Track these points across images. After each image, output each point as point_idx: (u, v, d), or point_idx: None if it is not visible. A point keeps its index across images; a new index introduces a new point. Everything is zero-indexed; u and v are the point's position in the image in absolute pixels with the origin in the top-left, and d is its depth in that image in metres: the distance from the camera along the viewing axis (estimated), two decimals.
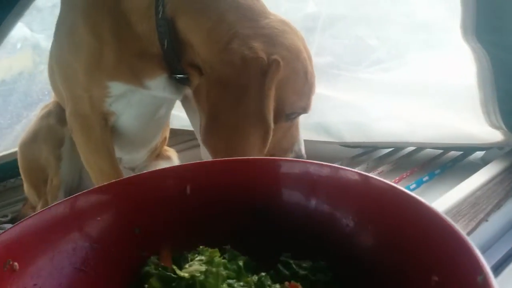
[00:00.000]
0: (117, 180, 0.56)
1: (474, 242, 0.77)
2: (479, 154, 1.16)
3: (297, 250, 0.52)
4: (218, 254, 0.46)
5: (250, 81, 0.75)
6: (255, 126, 0.77)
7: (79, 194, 0.53)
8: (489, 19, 0.77)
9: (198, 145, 1.46)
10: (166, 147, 1.32)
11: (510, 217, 0.88)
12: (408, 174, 1.10)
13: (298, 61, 0.80)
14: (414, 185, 1.02)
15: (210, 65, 0.78)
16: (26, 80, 1.32)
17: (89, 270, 0.49)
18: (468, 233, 0.78)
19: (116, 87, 0.85)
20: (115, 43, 0.80)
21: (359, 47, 1.08)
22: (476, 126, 1.02)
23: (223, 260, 0.46)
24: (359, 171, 0.52)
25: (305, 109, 0.86)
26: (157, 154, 1.27)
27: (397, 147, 1.27)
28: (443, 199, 0.88)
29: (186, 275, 0.44)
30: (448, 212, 0.84)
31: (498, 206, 0.85)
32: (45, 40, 1.28)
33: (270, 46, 0.77)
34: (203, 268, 0.44)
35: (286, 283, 0.46)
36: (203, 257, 0.46)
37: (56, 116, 1.07)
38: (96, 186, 0.57)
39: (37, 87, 1.34)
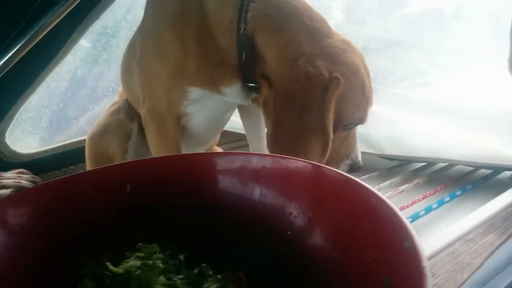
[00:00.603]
0: (55, 179, 0.54)
1: (505, 252, 0.87)
2: (507, 173, 1.25)
3: (246, 244, 0.52)
4: (157, 249, 0.46)
5: (313, 95, 0.84)
6: (316, 135, 0.86)
7: (13, 195, 0.51)
8: None
9: (243, 146, 1.58)
10: (215, 146, 1.42)
11: None
12: (442, 188, 1.19)
13: (357, 77, 0.88)
14: (447, 198, 1.10)
15: (279, 78, 0.88)
16: (94, 77, 1.44)
17: (17, 278, 0.44)
18: (500, 244, 0.87)
19: (195, 92, 0.96)
20: (199, 53, 0.91)
21: (410, 69, 1.18)
22: (508, 148, 1.11)
23: (163, 256, 0.45)
24: (302, 160, 0.54)
25: (361, 120, 0.94)
26: None
27: (430, 162, 1.36)
28: (478, 212, 0.97)
29: (121, 270, 0.42)
30: (482, 225, 0.93)
31: None
32: (117, 41, 1.40)
33: (332, 64, 0.85)
34: (139, 263, 0.43)
35: (229, 273, 0.46)
36: (141, 254, 0.45)
37: (125, 113, 1.18)
38: (31, 187, 0.57)
39: (103, 84, 1.46)
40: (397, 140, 1.32)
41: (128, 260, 0.44)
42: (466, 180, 1.24)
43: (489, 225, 0.93)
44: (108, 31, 1.41)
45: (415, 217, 1.02)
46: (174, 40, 0.91)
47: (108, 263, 0.43)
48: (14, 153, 1.34)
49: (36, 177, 1.31)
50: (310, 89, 0.84)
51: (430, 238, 0.89)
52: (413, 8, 1.17)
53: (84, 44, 1.33)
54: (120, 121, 1.17)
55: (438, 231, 0.92)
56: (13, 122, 1.31)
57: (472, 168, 1.30)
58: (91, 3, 1.24)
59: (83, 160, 1.39)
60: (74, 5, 1.18)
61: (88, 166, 1.26)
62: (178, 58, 0.92)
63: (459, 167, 1.32)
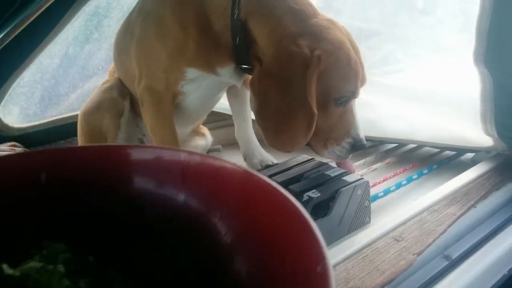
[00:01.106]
0: None
1: (464, 223, 1.00)
2: (469, 155, 1.38)
3: (163, 248, 0.48)
4: (63, 248, 0.41)
5: (295, 72, 0.90)
6: (299, 111, 0.92)
7: None
8: (496, 51, 0.98)
9: (225, 126, 1.66)
10: (200, 125, 1.49)
11: (494, 206, 1.10)
12: (410, 166, 1.31)
13: (341, 51, 0.92)
14: (415, 176, 1.23)
15: (266, 58, 0.94)
16: (85, 56, 1.48)
17: None
18: (460, 216, 0.99)
19: (192, 72, 1.02)
20: (197, 36, 0.97)
21: (386, 57, 1.29)
22: (471, 132, 1.23)
23: (70, 256, 0.41)
24: (233, 164, 0.49)
25: (353, 93, 0.97)
26: (195, 131, 1.45)
27: (401, 143, 1.48)
28: (442, 188, 1.09)
29: (17, 273, 0.37)
30: (445, 198, 1.05)
31: (485, 196, 1.07)
32: (109, 21, 1.45)
33: (315, 42, 0.90)
34: (40, 265, 0.38)
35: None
36: (47, 253, 0.41)
37: (118, 90, 1.23)
38: None
39: (93, 62, 1.50)
40: (371, 122, 1.42)
41: (29, 260, 0.39)
42: (433, 160, 1.37)
43: (452, 198, 1.05)
44: (100, 11, 1.45)
45: (386, 192, 1.13)
46: (175, 24, 0.97)
47: (4, 265, 0.37)
48: (7, 126, 1.38)
49: (28, 150, 1.36)
50: (292, 67, 0.89)
51: (401, 209, 1.00)
52: (389, 2, 1.28)
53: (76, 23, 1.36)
54: (113, 98, 1.22)
55: (407, 204, 1.04)
56: (6, 97, 1.34)
57: (438, 150, 1.43)
58: None
59: (73, 135, 1.44)
60: None
61: (80, 141, 1.31)
62: (178, 40, 0.98)
63: (426, 148, 1.45)
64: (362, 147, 1.02)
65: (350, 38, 0.97)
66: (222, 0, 0.96)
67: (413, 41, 1.26)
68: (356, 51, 0.97)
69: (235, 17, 0.95)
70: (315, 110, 0.91)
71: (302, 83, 0.89)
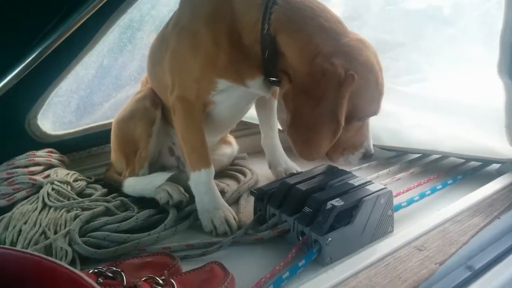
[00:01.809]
0: None
1: (488, 234, 1.01)
2: (495, 166, 1.38)
3: None
4: None
5: (329, 90, 0.94)
6: (328, 124, 0.97)
7: None
8: None
9: (250, 134, 1.70)
10: (228, 134, 1.54)
11: None
12: (435, 177, 1.31)
13: (371, 74, 0.97)
14: (440, 186, 1.23)
15: (299, 74, 0.98)
16: (119, 67, 1.55)
17: None
18: (483, 226, 1.00)
19: (223, 83, 1.07)
20: (228, 49, 1.02)
21: (409, 67, 1.31)
22: (496, 143, 1.23)
23: None
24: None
25: (375, 112, 1.04)
26: (221, 139, 1.49)
27: (425, 154, 1.48)
28: (466, 198, 1.10)
29: None
30: (469, 209, 1.07)
31: (509, 208, 1.08)
32: (141, 34, 1.52)
33: (348, 62, 0.95)
34: None
35: None
36: None
37: (150, 100, 1.29)
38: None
39: (126, 73, 1.57)
40: (396, 133, 1.44)
41: None
42: (458, 171, 1.37)
43: (476, 209, 1.06)
44: (134, 24, 1.52)
45: (410, 202, 1.14)
46: (208, 37, 1.02)
47: None
48: (45, 133, 1.45)
49: (64, 156, 1.43)
50: (326, 84, 0.94)
51: (424, 219, 1.02)
52: (413, 14, 1.30)
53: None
54: (146, 107, 1.28)
55: (430, 215, 1.05)
56: (44, 106, 1.42)
57: (463, 160, 1.43)
58: (119, 0, 1.35)
59: (105, 142, 1.51)
60: (104, 1, 1.29)
61: (113, 148, 1.37)
62: (211, 52, 1.03)
63: (451, 159, 1.45)
64: (371, 157, 1.12)
65: (377, 59, 1.01)
66: (252, 16, 1.00)
67: (437, 52, 1.28)
68: (381, 71, 1.01)
69: (264, 31, 0.99)
70: (342, 124, 0.96)
71: (335, 101, 0.94)
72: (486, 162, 1.38)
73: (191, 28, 1.06)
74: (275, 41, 0.99)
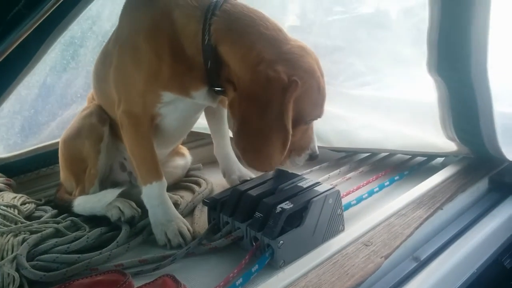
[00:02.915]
0: None
1: (432, 225, 1.05)
2: (439, 160, 1.44)
3: None
4: None
5: (274, 96, 0.95)
6: (276, 132, 0.98)
7: None
8: (447, 60, 1.04)
9: (204, 144, 1.70)
10: (180, 145, 1.53)
11: (460, 207, 1.16)
12: (383, 174, 1.36)
13: (313, 79, 1.00)
14: (387, 183, 1.27)
15: (243, 82, 0.99)
16: (63, 84, 1.52)
17: None
18: (426, 218, 1.04)
19: (167, 96, 1.07)
20: (170, 61, 1.02)
21: (351, 71, 1.35)
22: (436, 138, 1.29)
23: None
24: None
25: (319, 115, 1.07)
26: (174, 151, 1.49)
27: (374, 153, 1.53)
28: (410, 193, 1.14)
29: None
30: (413, 202, 1.11)
31: (450, 198, 1.12)
32: (84, 50, 1.49)
33: (291, 69, 0.97)
34: None
35: None
36: None
37: (97, 116, 1.27)
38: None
39: (72, 90, 1.54)
40: (344, 133, 1.48)
41: None
42: (404, 167, 1.42)
43: (419, 202, 1.10)
44: (76, 41, 1.50)
45: (359, 200, 1.18)
46: (149, 50, 1.02)
47: None
48: None
49: (11, 180, 1.39)
50: (271, 91, 0.95)
51: (371, 215, 1.05)
52: (348, 18, 1.36)
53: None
54: (93, 124, 1.26)
55: (377, 210, 1.08)
56: None
57: (409, 156, 1.48)
58: (59, 17, 1.32)
59: (54, 162, 1.47)
60: (43, 19, 1.26)
61: (62, 168, 1.34)
62: (153, 65, 1.03)
63: (399, 156, 1.50)
64: (317, 157, 1.14)
65: (318, 64, 1.05)
66: (192, 28, 1.01)
67: (372, 54, 1.33)
68: (323, 76, 1.04)
69: (205, 42, 1.00)
70: (290, 131, 0.98)
71: (280, 107, 0.95)
72: (431, 157, 1.43)
73: (131, 43, 1.06)
74: (217, 51, 1.01)
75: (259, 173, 1.24)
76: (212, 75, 1.03)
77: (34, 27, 1.26)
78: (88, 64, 1.52)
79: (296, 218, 0.97)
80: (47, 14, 1.26)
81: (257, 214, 0.99)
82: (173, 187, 1.43)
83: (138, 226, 1.16)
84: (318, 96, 1.03)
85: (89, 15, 1.48)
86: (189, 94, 1.07)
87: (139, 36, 1.04)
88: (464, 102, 1.10)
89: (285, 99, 0.95)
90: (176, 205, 1.22)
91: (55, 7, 1.26)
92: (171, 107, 1.12)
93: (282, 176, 1.16)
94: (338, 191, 1.03)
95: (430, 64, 1.06)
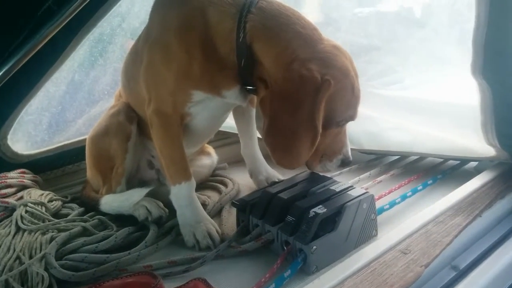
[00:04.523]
0: None
1: (470, 233, 1.01)
2: (473, 164, 1.39)
3: None
4: None
5: (306, 95, 0.94)
6: (306, 131, 0.96)
7: None
8: (493, 63, 1.00)
9: (229, 143, 1.68)
10: (205, 144, 1.52)
11: (499, 214, 1.11)
12: (415, 177, 1.32)
13: (347, 79, 0.98)
14: (420, 187, 1.23)
15: (275, 80, 0.97)
16: (91, 81, 1.52)
17: None
18: (465, 226, 1.00)
19: (198, 95, 1.05)
20: (202, 60, 1.00)
21: (386, 71, 1.32)
22: (473, 142, 1.24)
23: None
24: None
25: (352, 117, 1.04)
26: (200, 150, 1.47)
27: (404, 155, 1.49)
28: (446, 198, 1.10)
29: None
30: (450, 208, 1.07)
31: (489, 205, 1.08)
32: (113, 47, 1.49)
33: (324, 68, 0.95)
34: None
35: None
36: None
37: (125, 115, 1.26)
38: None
39: (99, 87, 1.54)
40: (374, 135, 1.44)
41: None
42: (437, 170, 1.38)
43: (457, 208, 1.06)
44: (105, 38, 1.49)
45: (392, 204, 1.14)
46: (181, 49, 1.00)
47: None
48: (16, 154, 1.41)
49: (37, 176, 1.38)
50: (303, 89, 0.94)
51: (406, 221, 1.01)
52: (386, 14, 1.32)
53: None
54: (120, 122, 1.25)
55: (413, 216, 1.05)
56: (14, 125, 1.37)
57: (442, 160, 1.44)
58: (89, 13, 1.32)
59: (80, 159, 1.47)
60: (73, 15, 1.26)
61: (89, 166, 1.34)
62: (184, 64, 1.01)
63: (430, 158, 1.46)
64: (349, 163, 1.12)
65: (352, 64, 1.02)
66: (227, 24, 0.99)
67: (411, 54, 1.29)
68: (357, 76, 1.02)
69: (240, 40, 0.98)
70: (320, 130, 0.96)
71: (312, 105, 0.94)
72: (464, 161, 1.39)
73: (162, 41, 1.04)
74: (251, 49, 0.99)
75: (286, 174, 1.22)
76: (245, 73, 1.01)
77: (64, 23, 1.25)
78: (115, 61, 1.51)
79: (329, 222, 0.94)
80: (77, 11, 1.25)
81: (289, 218, 0.97)
82: (199, 186, 1.42)
83: (166, 226, 1.14)
84: (351, 96, 1.00)
85: (118, 12, 1.47)
86: (220, 93, 1.05)
87: (170, 34, 1.02)
88: (508, 107, 1.05)
89: (317, 98, 0.93)
90: (204, 205, 1.20)
91: (84, 3, 1.25)
92: (201, 107, 1.10)
93: (313, 178, 1.13)
94: (373, 196, 1.00)
95: (475, 66, 1.01)
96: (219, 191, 1.39)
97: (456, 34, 1.17)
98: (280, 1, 1.02)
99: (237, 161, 1.55)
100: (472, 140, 1.23)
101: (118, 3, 1.37)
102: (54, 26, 1.24)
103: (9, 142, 1.39)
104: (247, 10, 0.97)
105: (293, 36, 0.97)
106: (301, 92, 0.94)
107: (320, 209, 0.94)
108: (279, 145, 0.99)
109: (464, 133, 1.25)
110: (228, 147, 1.67)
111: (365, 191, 1.02)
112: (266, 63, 0.99)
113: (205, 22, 0.99)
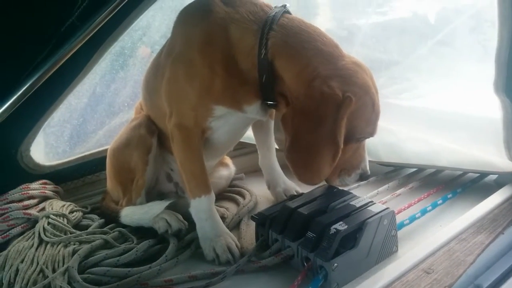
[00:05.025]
0: None
1: (493, 250, 0.99)
2: (492, 177, 1.37)
3: None
4: None
5: (327, 112, 0.94)
6: (328, 147, 0.97)
7: None
8: None
9: (246, 153, 1.69)
10: (225, 156, 1.52)
11: None
12: (434, 191, 1.30)
13: (367, 95, 0.98)
14: (440, 201, 1.22)
15: (297, 97, 0.98)
16: (112, 94, 1.54)
17: None
18: (488, 244, 0.99)
19: (219, 110, 1.06)
20: (224, 75, 1.01)
21: (407, 85, 1.31)
22: (494, 156, 1.23)
23: None
24: None
25: (371, 134, 1.05)
26: (218, 162, 1.48)
27: (422, 168, 1.48)
28: (469, 214, 1.09)
29: None
30: (472, 225, 1.06)
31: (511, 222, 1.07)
32: (133, 61, 1.51)
33: (345, 85, 0.96)
34: None
35: None
36: None
37: (146, 128, 1.27)
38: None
39: (120, 99, 1.56)
40: (392, 147, 1.44)
41: None
42: (456, 184, 1.36)
43: (479, 225, 1.05)
44: (126, 51, 1.52)
45: (412, 219, 1.13)
46: (203, 64, 1.02)
47: None
48: (38, 165, 1.43)
49: (58, 187, 1.41)
50: (325, 107, 0.94)
51: (428, 238, 1.01)
52: (408, 34, 1.32)
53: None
54: (141, 135, 1.26)
55: (434, 232, 1.04)
56: (37, 137, 1.39)
57: (461, 172, 1.42)
58: (111, 28, 1.34)
59: (100, 170, 1.49)
60: (95, 30, 1.28)
61: (109, 177, 1.35)
62: (206, 80, 1.02)
63: (448, 171, 1.44)
64: (368, 178, 1.13)
65: (373, 81, 1.03)
66: (249, 42, 1.00)
67: (433, 71, 1.29)
68: (377, 93, 1.02)
69: (262, 56, 0.99)
70: (341, 146, 0.97)
71: (333, 122, 0.94)
72: (484, 174, 1.37)
73: (185, 56, 1.05)
74: (273, 66, 0.99)
75: (303, 187, 1.21)
76: (267, 89, 1.02)
77: (87, 38, 1.27)
78: (136, 74, 1.54)
79: (350, 239, 0.94)
80: (99, 26, 1.27)
81: (310, 234, 0.97)
82: (217, 197, 1.40)
83: (186, 239, 1.15)
84: (372, 113, 1.01)
85: (139, 26, 1.49)
86: (241, 108, 1.06)
87: (194, 50, 1.03)
88: None
89: (339, 115, 0.94)
90: (222, 218, 1.21)
91: (107, 19, 1.27)
92: (222, 121, 1.11)
93: (332, 193, 1.13)
94: (393, 212, 1.00)
95: (498, 84, 1.01)
96: (237, 203, 1.39)
97: (478, 52, 1.17)
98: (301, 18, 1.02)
99: (254, 171, 1.56)
100: (492, 154, 1.22)
101: (139, 18, 1.39)
102: (77, 41, 1.26)
103: (32, 154, 1.41)
104: (268, 27, 0.98)
105: (314, 53, 0.98)
106: (322, 109, 0.94)
107: (341, 226, 0.94)
108: (301, 161, 1.00)
109: (483, 147, 1.24)
110: (244, 157, 1.67)
111: (385, 207, 1.01)
112: (288, 79, 0.99)
113: (227, 38, 1.00)
